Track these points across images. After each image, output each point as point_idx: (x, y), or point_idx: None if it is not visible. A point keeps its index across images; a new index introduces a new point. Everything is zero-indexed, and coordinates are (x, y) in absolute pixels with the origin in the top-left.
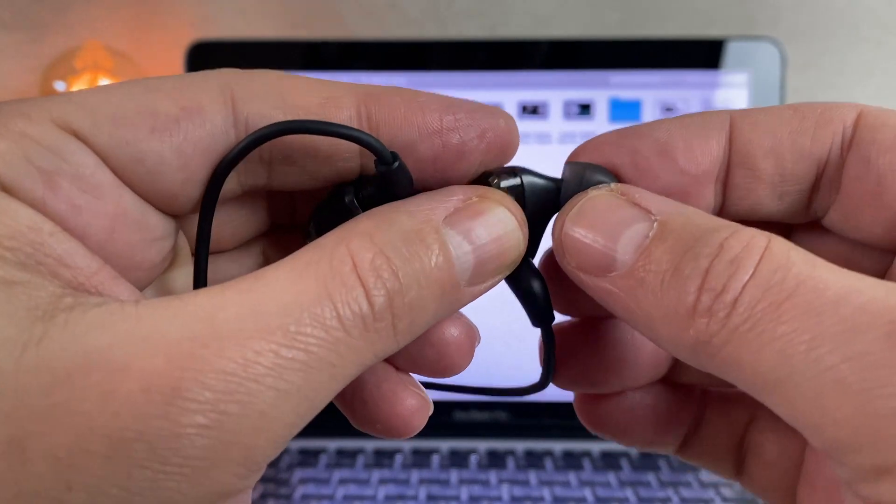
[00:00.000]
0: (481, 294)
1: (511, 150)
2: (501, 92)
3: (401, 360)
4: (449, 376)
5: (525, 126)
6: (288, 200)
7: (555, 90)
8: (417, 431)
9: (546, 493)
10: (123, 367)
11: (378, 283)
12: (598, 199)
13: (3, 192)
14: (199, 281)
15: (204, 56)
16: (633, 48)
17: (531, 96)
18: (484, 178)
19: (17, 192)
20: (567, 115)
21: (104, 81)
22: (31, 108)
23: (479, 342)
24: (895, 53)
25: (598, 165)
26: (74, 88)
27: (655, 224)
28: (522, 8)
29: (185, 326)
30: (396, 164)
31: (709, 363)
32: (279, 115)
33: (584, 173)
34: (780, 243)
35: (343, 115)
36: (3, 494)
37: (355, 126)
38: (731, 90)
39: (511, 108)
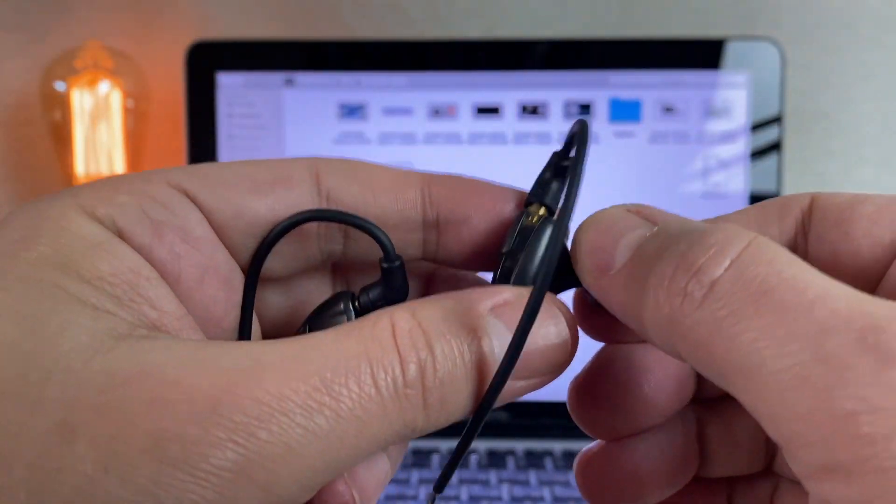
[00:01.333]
0: (524, 392)
1: None
2: (501, 92)
3: None
4: None
5: (525, 126)
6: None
7: (555, 90)
8: None
9: (546, 492)
10: (173, 381)
11: (412, 352)
12: (608, 210)
13: (116, 237)
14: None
15: (204, 56)
16: (633, 48)
17: (531, 96)
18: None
19: (129, 238)
20: (567, 115)
21: (104, 82)
22: (151, 174)
23: None
24: (894, 53)
25: None
26: (75, 89)
27: (658, 227)
28: (522, 8)
29: (233, 359)
30: (398, 262)
31: (679, 344)
32: (356, 188)
33: None
34: (764, 240)
35: (410, 192)
36: (47, 466)
37: (419, 203)
38: (731, 90)
39: (511, 108)
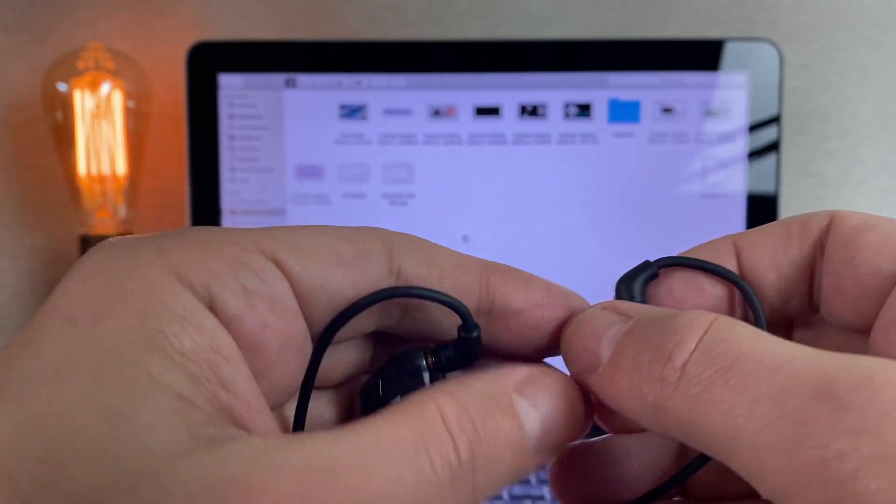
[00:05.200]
0: (544, 465)
1: None
2: (501, 93)
3: None
4: None
5: (525, 127)
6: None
7: (554, 91)
8: None
9: (545, 491)
10: (258, 487)
11: (463, 436)
12: (587, 313)
13: (206, 309)
14: (299, 421)
15: (205, 57)
16: (632, 49)
17: (531, 97)
18: None
19: (222, 307)
20: (567, 115)
21: (106, 83)
22: (241, 237)
23: None
24: (893, 54)
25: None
26: (77, 90)
27: (632, 322)
28: (522, 9)
29: (309, 457)
30: (476, 333)
31: (668, 426)
32: (424, 269)
33: None
34: (725, 320)
35: (469, 276)
36: None
37: (476, 290)
38: (730, 91)
39: (511, 109)
